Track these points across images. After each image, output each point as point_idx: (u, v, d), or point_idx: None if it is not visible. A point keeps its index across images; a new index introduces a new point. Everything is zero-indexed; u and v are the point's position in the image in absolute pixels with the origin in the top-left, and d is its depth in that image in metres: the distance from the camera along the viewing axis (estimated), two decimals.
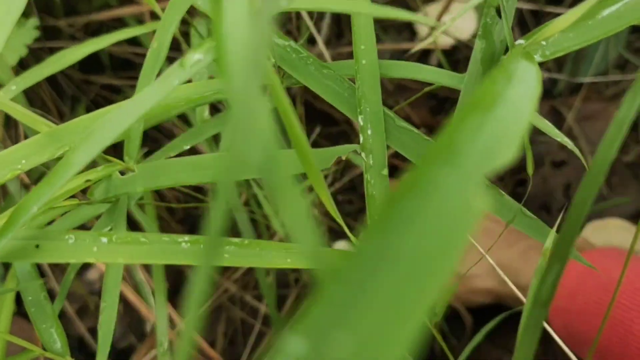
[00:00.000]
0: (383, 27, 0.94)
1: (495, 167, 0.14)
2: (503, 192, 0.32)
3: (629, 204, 0.84)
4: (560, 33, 0.28)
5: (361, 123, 0.34)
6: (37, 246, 0.27)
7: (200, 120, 0.42)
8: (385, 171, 0.34)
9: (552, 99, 0.92)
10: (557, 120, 0.89)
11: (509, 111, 0.19)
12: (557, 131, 0.41)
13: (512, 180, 0.89)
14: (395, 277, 0.10)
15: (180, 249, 0.29)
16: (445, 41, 0.89)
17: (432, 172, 0.13)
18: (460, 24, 0.94)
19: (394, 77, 0.35)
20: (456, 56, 0.92)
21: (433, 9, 0.91)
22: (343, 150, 0.34)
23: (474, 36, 0.94)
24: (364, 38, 0.34)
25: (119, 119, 0.24)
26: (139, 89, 0.39)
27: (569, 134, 0.89)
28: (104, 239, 0.28)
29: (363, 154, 0.36)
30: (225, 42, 0.16)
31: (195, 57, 0.22)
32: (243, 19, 0.17)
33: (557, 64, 0.96)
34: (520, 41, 0.30)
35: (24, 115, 0.31)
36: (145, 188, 0.37)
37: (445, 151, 0.14)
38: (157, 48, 0.38)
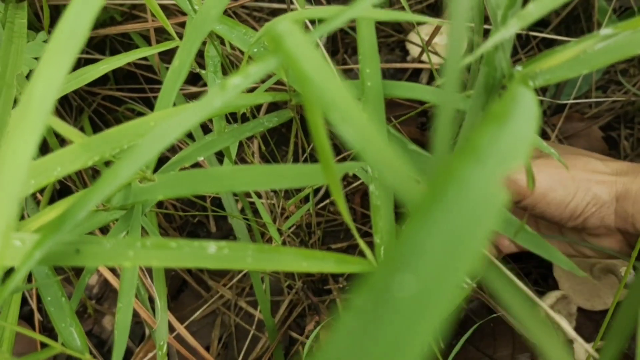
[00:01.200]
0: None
1: (512, 167, 0.18)
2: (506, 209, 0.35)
3: None
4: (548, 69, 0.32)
5: None
6: (77, 250, 0.30)
7: (218, 131, 0.45)
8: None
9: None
10: (542, 138, 0.94)
11: (518, 124, 0.22)
12: (545, 144, 0.45)
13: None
14: (444, 239, 0.14)
15: (207, 254, 0.32)
16: (436, 60, 0.92)
17: (463, 168, 0.16)
18: None
19: (395, 96, 0.39)
20: None
21: (425, 29, 0.95)
22: (353, 167, 0.37)
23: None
24: (369, 62, 0.37)
25: (162, 135, 0.27)
26: (159, 104, 0.42)
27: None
28: (139, 244, 0.30)
29: (369, 168, 0.39)
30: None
31: (236, 81, 0.25)
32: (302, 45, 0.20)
33: (542, 88, 1.00)
34: (518, 68, 0.33)
35: (61, 126, 0.33)
36: (166, 196, 0.39)
37: (472, 152, 0.17)
38: (179, 66, 0.41)
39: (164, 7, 0.74)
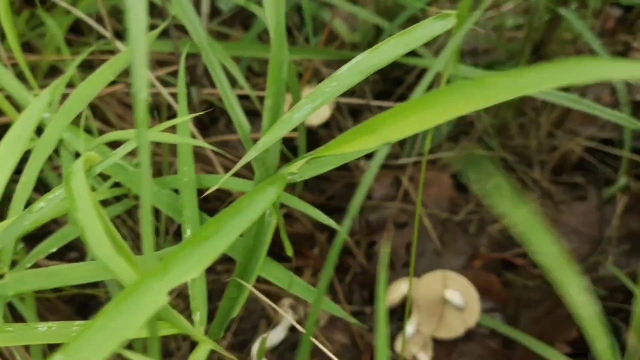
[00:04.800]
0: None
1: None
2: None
3: (459, 257, 1.01)
4: (305, 164, 0.42)
5: (183, 224, 0.45)
6: None
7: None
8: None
9: (395, 169, 1.09)
10: (399, 188, 1.06)
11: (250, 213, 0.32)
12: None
13: (365, 242, 1.04)
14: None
15: (38, 332, 0.39)
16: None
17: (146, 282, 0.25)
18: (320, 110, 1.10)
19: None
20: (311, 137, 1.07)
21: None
22: None
23: (325, 124, 1.10)
24: (185, 163, 0.46)
25: None
26: None
27: (409, 200, 1.05)
28: None
29: None
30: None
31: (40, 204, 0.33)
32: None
33: (401, 141, 1.13)
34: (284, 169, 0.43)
35: None
36: (16, 292, 0.46)
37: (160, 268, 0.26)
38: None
39: None
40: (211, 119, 1.12)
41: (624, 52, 1.25)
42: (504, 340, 0.92)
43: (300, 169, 0.42)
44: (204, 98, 1.07)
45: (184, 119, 0.41)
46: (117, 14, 1.04)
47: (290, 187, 1.07)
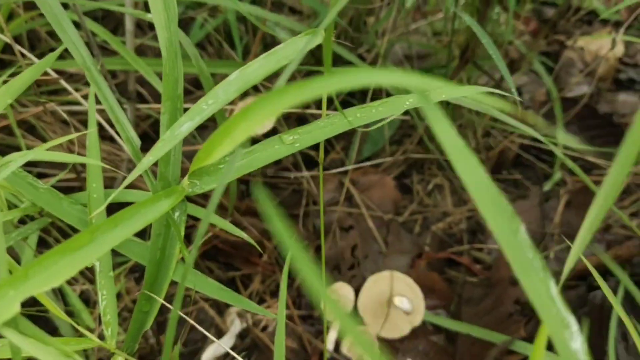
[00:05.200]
0: None
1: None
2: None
3: (404, 257, 1.03)
4: (207, 176, 0.43)
5: None
6: None
7: None
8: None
9: (339, 175, 1.11)
10: (344, 192, 1.08)
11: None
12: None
13: (313, 247, 1.06)
14: None
15: None
16: None
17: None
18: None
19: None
20: None
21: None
22: None
23: (269, 133, 1.12)
24: (94, 179, 0.47)
25: None
26: None
27: (354, 203, 1.08)
28: None
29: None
30: None
31: None
32: None
33: (345, 146, 1.16)
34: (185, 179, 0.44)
35: None
36: None
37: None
38: None
39: None
40: (157, 132, 1.13)
41: (559, 51, 1.30)
42: (447, 336, 0.95)
43: (202, 181, 0.43)
44: (147, 113, 1.08)
45: (64, 138, 0.43)
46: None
47: (240, 200, 1.09)
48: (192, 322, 0.47)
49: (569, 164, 0.80)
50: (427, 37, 1.23)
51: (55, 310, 0.37)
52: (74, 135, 0.39)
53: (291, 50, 0.38)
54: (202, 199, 1.01)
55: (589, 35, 1.35)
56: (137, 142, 0.44)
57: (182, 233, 0.42)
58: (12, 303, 0.25)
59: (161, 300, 0.44)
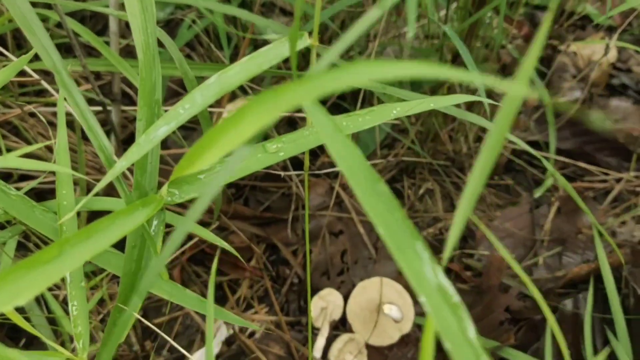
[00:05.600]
0: None
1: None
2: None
3: (394, 263, 1.02)
4: (187, 185, 0.42)
5: None
6: None
7: None
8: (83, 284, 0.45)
9: (330, 179, 1.09)
10: (334, 197, 1.07)
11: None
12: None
13: (302, 251, 1.04)
14: None
15: None
16: None
17: None
18: None
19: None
20: None
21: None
22: None
23: None
24: (64, 186, 0.45)
25: None
26: None
27: (344, 208, 1.06)
28: None
29: None
30: None
31: None
32: None
33: None
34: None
35: None
36: None
37: None
38: None
39: None
40: None
41: (551, 56, 1.29)
42: (438, 343, 0.94)
43: (182, 190, 0.42)
44: (134, 115, 1.06)
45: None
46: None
47: (227, 203, 1.07)
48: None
49: (557, 177, 0.79)
50: (419, 39, 1.22)
51: (23, 324, 0.36)
52: (47, 143, 0.38)
53: (274, 54, 0.36)
54: (181, 206, 0.99)
55: (581, 40, 1.34)
56: (110, 149, 0.43)
57: (160, 244, 0.41)
58: None
59: (136, 315, 0.43)
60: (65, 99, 0.45)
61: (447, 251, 0.26)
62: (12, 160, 0.36)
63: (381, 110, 0.42)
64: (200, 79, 0.89)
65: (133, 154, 0.35)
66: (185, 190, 0.42)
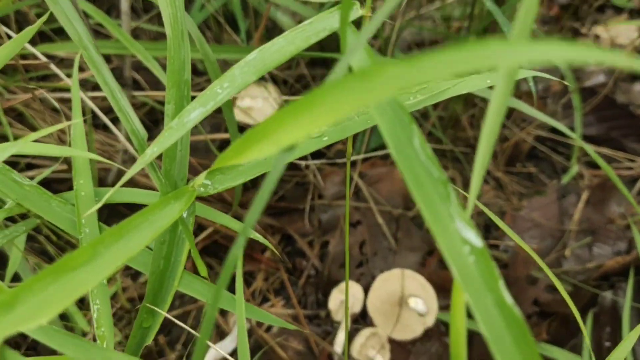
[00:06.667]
0: None
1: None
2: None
3: (414, 254, 0.98)
4: (220, 175, 0.38)
5: (81, 236, 0.41)
6: None
7: None
8: None
9: (344, 167, 1.05)
10: (352, 185, 1.03)
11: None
12: None
13: (318, 242, 1.01)
14: None
15: None
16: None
17: None
18: (265, 109, 1.06)
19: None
20: None
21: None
22: None
23: None
24: (82, 175, 0.42)
25: None
26: None
27: (361, 197, 1.02)
28: None
29: None
30: None
31: None
32: None
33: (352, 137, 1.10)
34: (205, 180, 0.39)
35: None
36: None
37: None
38: None
39: None
40: (154, 121, 1.07)
41: (572, 38, 1.24)
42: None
43: (215, 180, 0.38)
44: (143, 100, 1.02)
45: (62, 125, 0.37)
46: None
47: (242, 191, 1.03)
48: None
49: (593, 155, 0.75)
50: (435, 22, 1.18)
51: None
52: (63, 125, 0.34)
53: (321, 26, 0.32)
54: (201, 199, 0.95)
55: (601, 23, 1.30)
56: (144, 133, 0.39)
57: (192, 239, 0.37)
58: None
59: (164, 314, 0.39)
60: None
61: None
62: (30, 147, 0.32)
63: (434, 87, 0.38)
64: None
65: (165, 139, 0.31)
66: (219, 180, 0.38)
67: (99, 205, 0.32)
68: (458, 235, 0.20)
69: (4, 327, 0.20)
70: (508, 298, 0.20)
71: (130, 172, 0.30)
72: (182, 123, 0.31)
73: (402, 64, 0.19)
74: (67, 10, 0.38)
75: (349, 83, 0.19)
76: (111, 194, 0.40)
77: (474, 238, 0.21)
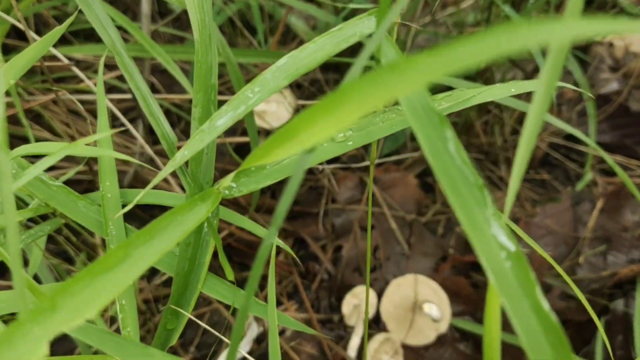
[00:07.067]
0: None
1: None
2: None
3: (428, 260, 0.98)
4: (245, 177, 0.38)
5: (108, 243, 0.41)
6: None
7: None
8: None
9: (359, 171, 1.06)
10: (364, 190, 1.03)
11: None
12: None
13: (332, 247, 1.01)
14: None
15: None
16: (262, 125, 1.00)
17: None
18: (279, 113, 1.06)
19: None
20: None
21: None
22: None
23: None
24: (108, 177, 0.42)
25: None
26: None
27: (374, 202, 1.03)
28: None
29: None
30: None
31: None
32: None
33: None
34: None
35: None
36: None
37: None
38: None
39: None
40: (171, 124, 1.07)
41: (586, 47, 1.24)
42: (475, 343, 0.90)
43: (240, 182, 0.38)
44: (159, 103, 1.03)
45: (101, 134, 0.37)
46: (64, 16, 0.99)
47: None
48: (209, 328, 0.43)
49: (610, 162, 0.75)
50: (448, 28, 1.18)
51: None
52: (115, 130, 0.34)
53: (351, 32, 0.33)
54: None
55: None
56: (174, 137, 0.39)
57: (220, 241, 0.37)
58: (38, 344, 0.20)
59: (189, 315, 0.39)
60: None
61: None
62: (80, 149, 0.33)
63: (458, 95, 0.38)
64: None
65: (196, 142, 0.32)
66: (244, 183, 0.38)
67: (131, 206, 0.32)
68: (495, 241, 0.21)
69: (51, 328, 0.20)
70: (545, 304, 0.20)
71: (162, 174, 0.30)
72: (213, 126, 0.31)
73: (434, 53, 0.19)
74: (101, 15, 0.39)
75: (380, 75, 0.19)
76: (130, 194, 0.41)
77: (509, 243, 0.22)
